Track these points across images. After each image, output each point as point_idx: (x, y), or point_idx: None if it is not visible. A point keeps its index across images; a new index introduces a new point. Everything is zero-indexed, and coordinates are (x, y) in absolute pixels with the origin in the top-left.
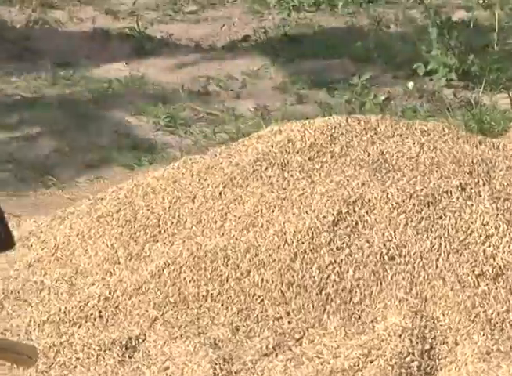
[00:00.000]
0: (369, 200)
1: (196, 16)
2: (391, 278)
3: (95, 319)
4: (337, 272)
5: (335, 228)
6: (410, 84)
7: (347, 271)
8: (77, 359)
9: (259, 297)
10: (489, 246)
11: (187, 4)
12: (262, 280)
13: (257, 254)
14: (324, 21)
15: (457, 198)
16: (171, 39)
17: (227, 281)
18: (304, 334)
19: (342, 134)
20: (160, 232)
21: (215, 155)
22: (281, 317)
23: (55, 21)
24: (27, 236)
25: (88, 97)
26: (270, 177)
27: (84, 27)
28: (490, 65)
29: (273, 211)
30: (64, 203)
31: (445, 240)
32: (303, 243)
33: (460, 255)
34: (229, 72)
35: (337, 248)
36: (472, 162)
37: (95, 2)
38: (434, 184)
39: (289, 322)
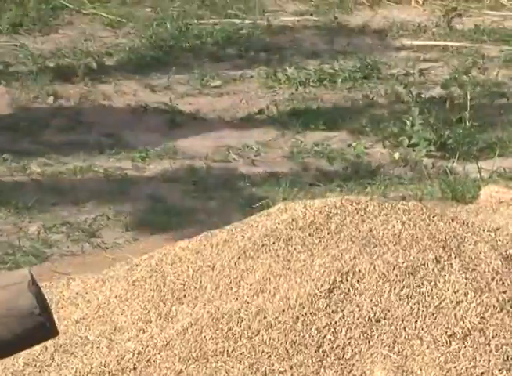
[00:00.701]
0: (360, 270)
1: (219, 90)
2: (377, 338)
3: (130, 371)
4: (332, 332)
5: (331, 294)
6: (396, 155)
7: (341, 331)
8: None
9: (267, 353)
10: (459, 310)
11: (212, 79)
12: (270, 338)
13: (265, 317)
14: (326, 95)
15: (433, 269)
16: (198, 112)
17: (240, 339)
18: None
19: (337, 213)
20: (184, 295)
21: (231, 230)
22: (285, 371)
23: (103, 94)
24: (74, 296)
25: (128, 165)
26: (277, 250)
27: (127, 100)
28: (463, 138)
29: (279, 280)
30: (107, 263)
31: (422, 306)
32: (304, 307)
33: (435, 318)
34: (246, 142)
35: (332, 312)
36: (445, 238)
37: (137, 78)
38: (414, 257)
39: (291, 375)
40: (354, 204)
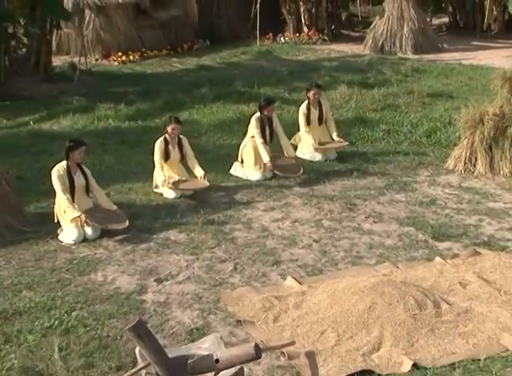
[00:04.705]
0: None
1: None
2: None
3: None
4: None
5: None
6: None
7: (372, 314)
8: None
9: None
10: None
11: None
12: (349, 312)
13: (350, 310)
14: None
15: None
16: None
17: (347, 314)
18: None
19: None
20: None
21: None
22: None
23: None
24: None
25: None
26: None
27: None
28: None
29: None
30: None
31: None
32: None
33: None
34: None
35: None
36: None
37: None
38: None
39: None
40: None
